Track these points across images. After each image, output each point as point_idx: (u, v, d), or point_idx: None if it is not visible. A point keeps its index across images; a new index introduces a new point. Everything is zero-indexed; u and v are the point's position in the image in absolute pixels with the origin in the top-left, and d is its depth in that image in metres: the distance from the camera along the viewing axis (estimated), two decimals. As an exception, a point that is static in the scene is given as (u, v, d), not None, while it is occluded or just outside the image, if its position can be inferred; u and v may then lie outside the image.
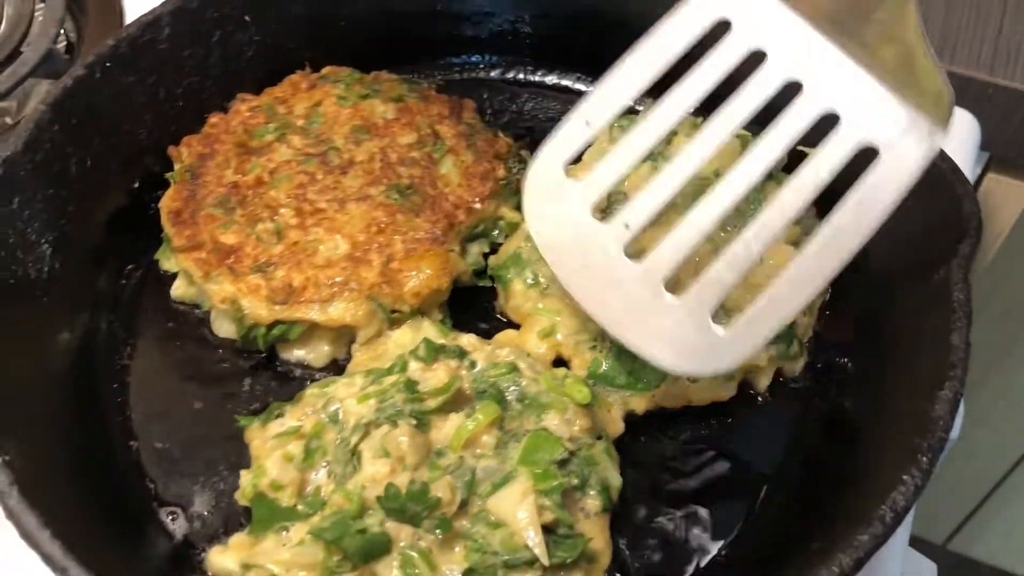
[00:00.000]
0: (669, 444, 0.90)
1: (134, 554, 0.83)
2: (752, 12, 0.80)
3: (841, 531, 0.71)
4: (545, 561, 0.73)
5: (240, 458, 0.87)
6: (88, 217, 0.97)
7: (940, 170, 0.88)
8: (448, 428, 0.80)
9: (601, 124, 0.82)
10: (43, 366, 0.87)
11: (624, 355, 0.90)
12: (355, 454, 0.78)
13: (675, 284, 0.80)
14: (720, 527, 0.85)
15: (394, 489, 0.75)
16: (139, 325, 0.97)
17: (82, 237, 0.95)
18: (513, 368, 0.84)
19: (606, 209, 0.86)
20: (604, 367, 0.90)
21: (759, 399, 0.93)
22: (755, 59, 0.81)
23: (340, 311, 0.90)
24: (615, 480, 0.82)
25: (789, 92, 0.80)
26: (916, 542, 1.07)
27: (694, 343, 0.78)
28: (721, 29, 0.81)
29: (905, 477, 0.71)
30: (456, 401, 0.81)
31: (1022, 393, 2.02)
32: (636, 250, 0.81)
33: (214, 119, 1.04)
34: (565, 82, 1.19)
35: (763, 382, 0.93)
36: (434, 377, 0.82)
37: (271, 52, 1.09)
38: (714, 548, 0.84)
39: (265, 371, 0.94)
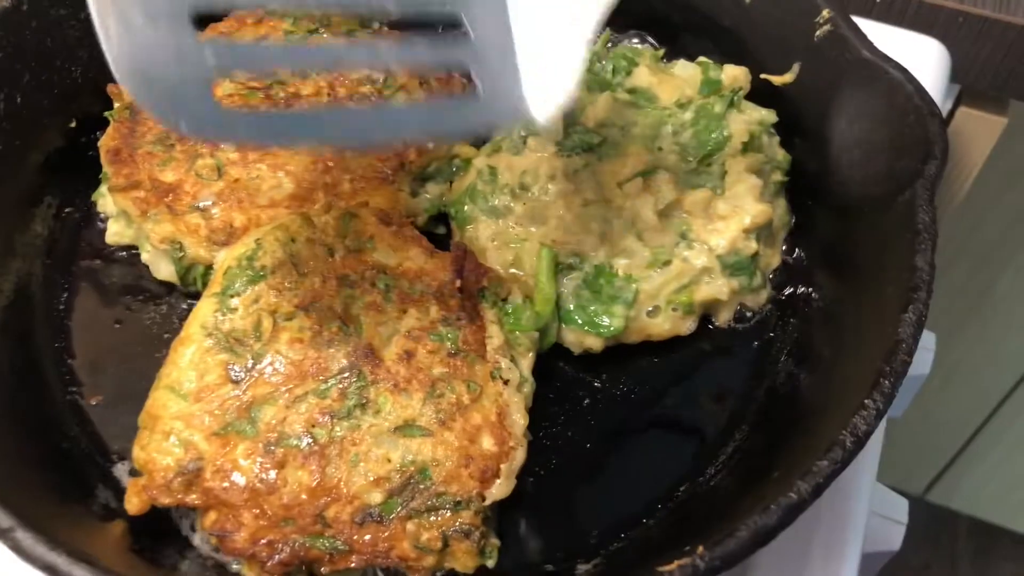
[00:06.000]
0: (627, 380, 0.87)
1: (78, 503, 0.79)
2: None
3: (801, 458, 0.68)
4: None
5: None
6: (21, 156, 0.92)
7: (906, 91, 0.84)
8: None
9: None
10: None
11: (584, 295, 0.87)
12: None
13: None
14: (680, 462, 0.82)
15: None
16: (76, 269, 0.93)
17: (15, 177, 0.91)
18: None
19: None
20: (561, 305, 0.87)
21: (722, 332, 0.90)
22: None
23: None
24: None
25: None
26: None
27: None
28: None
29: (867, 401, 0.68)
30: None
31: (998, 340, 2.00)
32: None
33: (154, 55, 0.99)
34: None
35: (724, 316, 0.90)
36: None
37: (214, -13, 1.04)
38: (675, 484, 0.81)
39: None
